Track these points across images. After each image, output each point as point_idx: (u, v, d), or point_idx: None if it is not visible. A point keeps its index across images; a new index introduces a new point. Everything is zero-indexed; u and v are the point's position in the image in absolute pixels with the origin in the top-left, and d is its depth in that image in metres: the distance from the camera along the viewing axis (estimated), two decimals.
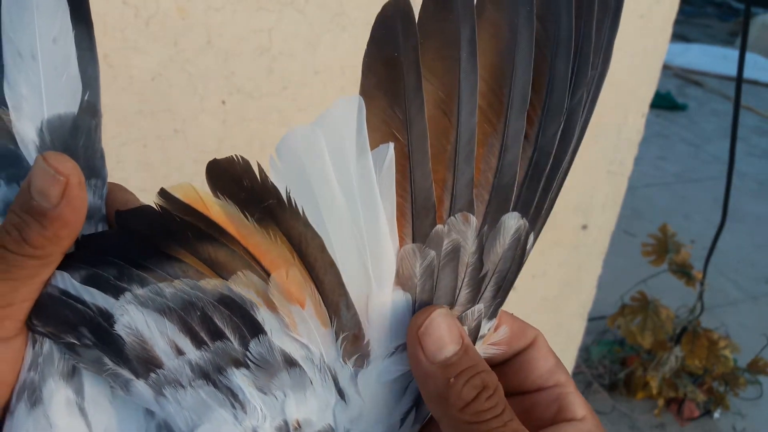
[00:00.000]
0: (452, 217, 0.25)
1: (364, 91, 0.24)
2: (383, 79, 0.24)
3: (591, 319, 1.08)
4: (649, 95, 0.85)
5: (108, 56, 0.56)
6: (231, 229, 0.23)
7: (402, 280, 0.24)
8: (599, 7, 0.26)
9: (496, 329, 0.28)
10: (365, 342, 0.24)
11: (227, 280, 0.23)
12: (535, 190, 0.26)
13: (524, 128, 0.25)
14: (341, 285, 0.24)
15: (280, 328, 0.24)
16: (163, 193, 0.23)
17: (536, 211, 0.26)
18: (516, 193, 0.25)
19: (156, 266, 0.23)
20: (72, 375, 0.24)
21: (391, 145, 0.24)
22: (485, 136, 0.25)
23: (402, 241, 0.24)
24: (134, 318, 0.23)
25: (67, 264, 0.24)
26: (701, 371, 1.61)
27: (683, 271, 1.46)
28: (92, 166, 0.26)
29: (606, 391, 1.70)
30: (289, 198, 0.23)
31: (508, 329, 0.28)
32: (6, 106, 0.25)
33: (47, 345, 0.24)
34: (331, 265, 0.24)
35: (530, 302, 0.94)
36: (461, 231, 0.25)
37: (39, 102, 0.25)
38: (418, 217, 0.24)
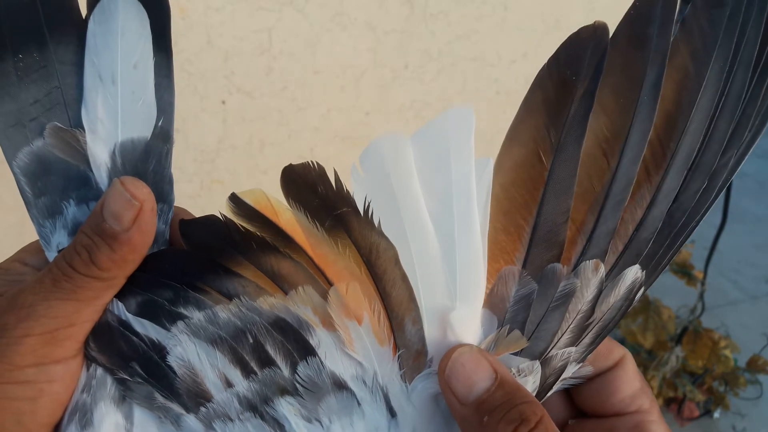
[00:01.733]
0: (585, 263, 0.24)
1: (528, 103, 0.23)
2: (550, 98, 0.23)
3: None
4: None
5: None
6: (299, 237, 0.23)
7: (493, 300, 0.24)
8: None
9: (584, 365, 0.27)
10: (429, 359, 0.24)
11: (287, 294, 0.23)
12: (661, 245, 0.25)
13: (678, 187, 0.24)
14: (411, 299, 0.23)
15: (335, 345, 0.23)
16: (233, 197, 0.23)
17: (655, 265, 0.25)
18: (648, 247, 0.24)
19: (214, 283, 0.23)
20: (123, 400, 0.24)
21: (491, 159, 0.23)
22: (638, 186, 0.24)
23: (508, 262, 0.24)
24: (186, 349, 0.23)
25: (123, 289, 0.24)
26: (701, 371, 1.61)
27: (684, 271, 1.46)
28: (161, 190, 0.26)
29: None
30: (366, 207, 0.23)
31: (592, 369, 0.27)
32: (82, 128, 0.25)
33: (101, 368, 0.24)
34: (403, 278, 0.23)
35: None
36: (587, 278, 0.24)
37: (114, 126, 0.25)
38: (537, 247, 0.23)
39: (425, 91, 0.66)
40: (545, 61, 0.24)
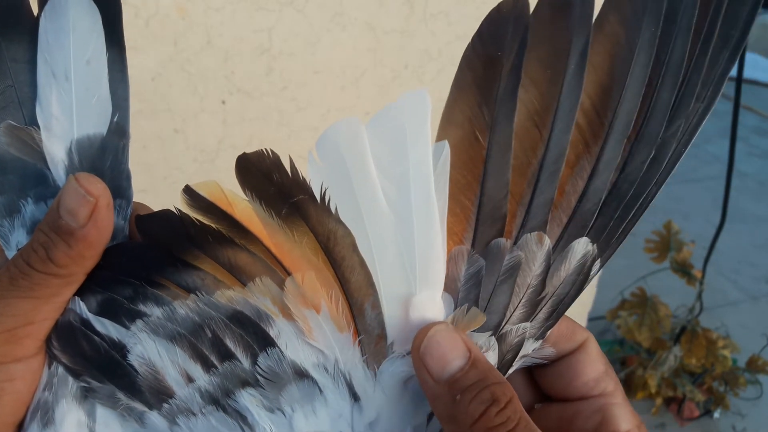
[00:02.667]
0: (527, 235, 0.24)
1: (457, 84, 0.23)
2: (479, 77, 0.23)
3: (591, 319, 1.08)
4: None
5: None
6: (255, 227, 0.23)
7: (447, 282, 0.24)
8: (719, 40, 0.24)
9: (544, 346, 0.27)
10: (389, 343, 0.24)
11: (245, 286, 0.23)
12: (610, 217, 0.25)
13: (620, 156, 0.24)
14: (370, 285, 0.23)
15: (295, 335, 0.23)
16: (188, 190, 0.23)
17: (607, 238, 0.25)
18: (594, 218, 0.24)
19: (173, 277, 0.23)
20: (85, 398, 0.24)
21: (446, 144, 0.23)
22: (577, 157, 0.24)
23: (458, 242, 0.24)
24: (146, 347, 0.23)
25: (84, 287, 0.24)
26: (700, 371, 1.61)
27: (684, 270, 1.46)
28: (118, 186, 0.26)
29: None
30: (323, 194, 0.23)
31: (554, 351, 0.27)
32: (37, 125, 0.25)
33: (64, 368, 0.24)
34: (361, 264, 0.23)
35: None
36: (531, 251, 0.24)
37: (69, 122, 0.25)
38: (482, 224, 0.24)
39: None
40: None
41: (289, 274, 0.23)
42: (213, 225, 0.23)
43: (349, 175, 0.23)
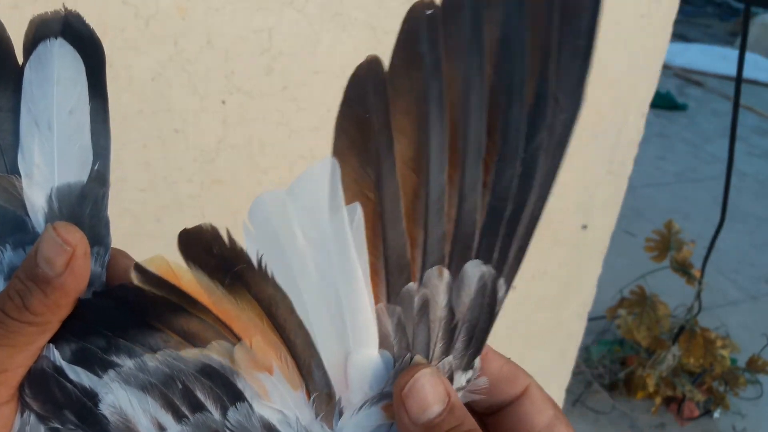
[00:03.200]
0: (428, 271, 0.25)
1: (337, 152, 0.24)
2: (355, 140, 0.24)
3: (591, 319, 1.08)
4: (649, 95, 0.85)
5: (108, 56, 0.56)
6: (202, 297, 0.24)
7: (380, 339, 0.25)
8: (568, 51, 0.25)
9: (479, 376, 0.27)
10: (336, 399, 0.25)
11: (203, 349, 0.24)
12: (495, 236, 0.25)
13: (481, 177, 0.25)
14: (311, 345, 0.24)
15: (255, 396, 0.24)
16: (137, 267, 0.24)
17: (501, 257, 0.26)
18: (477, 240, 0.25)
19: (137, 338, 0.24)
20: None
21: (358, 205, 0.24)
22: (446, 188, 0.25)
23: (377, 301, 0.25)
24: (118, 396, 0.24)
25: (58, 335, 0.24)
26: (699, 370, 1.61)
27: (684, 270, 1.46)
28: (97, 233, 0.26)
29: (606, 391, 1.70)
30: (259, 261, 0.24)
31: (487, 380, 0.27)
32: (18, 173, 0.25)
33: (35, 414, 0.24)
34: (300, 326, 0.24)
35: (530, 302, 0.94)
36: (434, 285, 0.25)
37: (51, 170, 0.26)
38: (392, 276, 0.24)
39: None
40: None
41: (238, 338, 0.24)
42: (164, 296, 0.24)
43: (280, 243, 0.24)
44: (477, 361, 0.27)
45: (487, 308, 0.26)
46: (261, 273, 0.24)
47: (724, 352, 1.52)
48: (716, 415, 1.67)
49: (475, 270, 0.25)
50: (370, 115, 0.24)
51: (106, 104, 0.27)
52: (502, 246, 0.26)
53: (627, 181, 0.92)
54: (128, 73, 0.57)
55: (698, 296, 1.49)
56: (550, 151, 0.25)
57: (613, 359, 1.76)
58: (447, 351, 0.26)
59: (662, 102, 3.53)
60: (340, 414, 0.25)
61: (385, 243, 0.24)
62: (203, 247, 0.23)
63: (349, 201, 0.24)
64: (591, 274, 0.99)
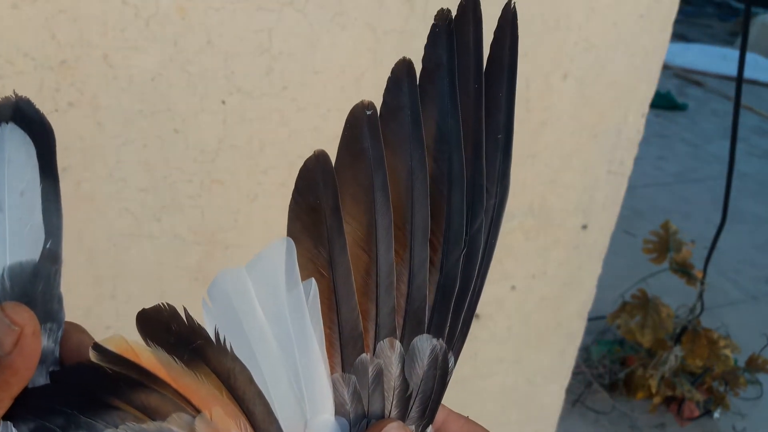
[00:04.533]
0: (380, 343, 0.27)
1: (291, 234, 0.26)
2: (307, 224, 0.26)
3: (591, 319, 1.08)
4: (649, 95, 0.85)
5: (108, 56, 0.56)
6: (161, 373, 0.25)
7: (337, 407, 0.26)
8: (489, 145, 0.28)
9: None
10: None
11: (163, 422, 0.25)
12: (446, 312, 0.28)
13: (428, 256, 0.27)
14: (270, 413, 0.25)
15: None
16: (96, 346, 0.24)
17: (451, 332, 0.28)
18: (428, 316, 0.28)
19: (96, 417, 0.25)
20: None
21: (313, 280, 0.26)
22: (396, 266, 0.28)
23: (333, 370, 0.26)
24: None
25: (15, 414, 0.25)
26: (700, 371, 1.61)
27: (684, 270, 1.46)
28: (49, 310, 0.27)
29: (606, 391, 1.70)
30: (217, 336, 0.25)
31: None
32: None
33: None
34: (259, 395, 0.25)
35: (530, 302, 0.94)
36: (387, 356, 0.27)
37: (2, 250, 0.26)
38: (346, 347, 0.26)
39: None
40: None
41: (198, 411, 0.25)
42: (123, 372, 0.25)
43: (239, 317, 0.25)
44: (430, 429, 0.29)
45: (440, 379, 0.28)
46: (219, 347, 0.25)
47: (728, 352, 1.52)
48: (716, 415, 1.67)
49: (426, 344, 0.27)
50: (320, 202, 0.26)
51: (57, 184, 0.28)
52: (451, 321, 0.28)
53: (627, 181, 0.92)
54: (128, 73, 0.57)
55: (700, 296, 1.49)
56: (486, 233, 0.29)
57: (613, 359, 1.76)
58: (402, 418, 0.27)
59: (662, 102, 3.53)
60: None
61: (339, 316, 0.26)
62: (161, 325, 0.24)
63: (305, 277, 0.26)
64: (591, 274, 0.99)
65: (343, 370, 0.26)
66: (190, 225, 0.67)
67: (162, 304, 0.24)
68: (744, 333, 1.85)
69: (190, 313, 0.25)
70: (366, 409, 0.27)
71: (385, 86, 0.28)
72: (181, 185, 0.64)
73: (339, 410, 0.26)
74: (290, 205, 0.26)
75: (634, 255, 1.69)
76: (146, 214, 0.64)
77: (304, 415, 0.26)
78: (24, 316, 0.23)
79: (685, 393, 1.56)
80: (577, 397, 1.68)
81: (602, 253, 0.97)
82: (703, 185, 2.86)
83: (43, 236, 0.27)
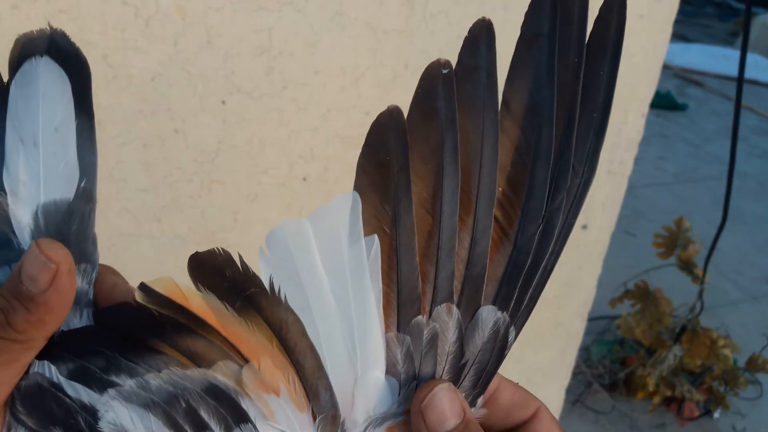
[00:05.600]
0: (438, 308, 0.26)
1: (358, 189, 0.26)
2: (375, 180, 0.26)
3: (591, 319, 1.08)
4: (649, 95, 0.85)
5: (108, 56, 0.56)
6: (211, 319, 0.24)
7: (388, 367, 0.26)
8: (583, 122, 0.27)
9: (483, 407, 0.29)
10: (341, 421, 0.25)
11: (208, 370, 0.24)
12: (514, 286, 0.27)
13: (491, 224, 0.27)
14: (320, 368, 0.25)
15: (261, 417, 0.25)
16: (143, 287, 0.24)
17: (516, 306, 0.28)
18: (495, 287, 0.27)
19: (138, 360, 0.24)
20: None
21: (376, 237, 0.26)
22: (458, 230, 0.27)
23: (387, 329, 0.26)
24: (119, 414, 0.24)
25: (54, 354, 0.24)
26: (700, 370, 1.61)
27: (688, 268, 1.46)
28: (83, 250, 0.26)
29: (606, 391, 1.70)
30: (271, 285, 0.24)
31: (485, 410, 0.29)
32: (3, 190, 0.25)
33: (22, 431, 0.24)
34: (311, 348, 0.25)
35: None
36: (444, 321, 0.27)
37: (36, 188, 0.26)
38: (403, 307, 0.26)
39: None
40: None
41: (246, 360, 0.25)
42: (170, 316, 0.24)
43: (297, 268, 0.25)
44: (480, 399, 0.28)
45: (498, 352, 0.27)
46: (274, 296, 0.25)
47: (727, 352, 1.52)
48: (716, 415, 1.67)
49: (490, 315, 0.27)
50: (390, 159, 0.26)
51: (92, 121, 0.27)
52: (518, 296, 0.27)
53: (627, 181, 0.92)
54: (128, 73, 0.57)
55: (700, 295, 1.49)
56: (566, 212, 0.28)
57: (613, 359, 1.76)
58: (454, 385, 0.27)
59: (662, 102, 3.53)
60: None
61: (399, 275, 0.26)
62: (215, 270, 0.24)
63: (367, 233, 0.26)
64: (591, 274, 0.99)
65: (398, 330, 0.26)
66: (190, 225, 0.67)
67: (217, 248, 0.24)
68: (744, 333, 1.85)
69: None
70: (417, 371, 0.26)
71: (461, 46, 0.27)
72: (181, 185, 0.64)
73: (390, 370, 0.26)
74: (359, 159, 0.26)
75: (634, 255, 1.69)
76: (146, 214, 0.64)
77: (355, 371, 0.25)
78: (60, 254, 0.23)
79: (685, 393, 1.56)
80: (577, 397, 1.68)
81: (602, 253, 0.97)
82: (703, 185, 2.86)
83: (77, 174, 0.26)
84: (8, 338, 0.23)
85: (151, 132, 0.61)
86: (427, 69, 0.26)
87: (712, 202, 2.56)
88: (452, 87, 0.26)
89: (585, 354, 1.77)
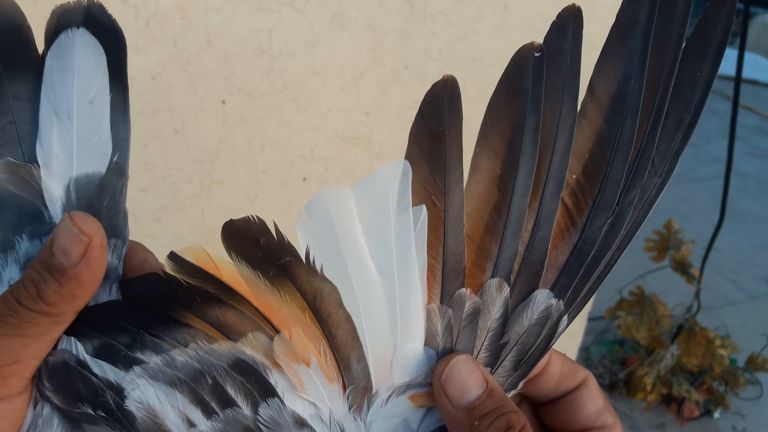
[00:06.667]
0: (489, 281, 0.26)
1: (409, 158, 0.25)
2: (426, 149, 0.25)
3: (591, 319, 1.08)
4: None
5: None
6: (242, 289, 0.24)
7: (428, 338, 0.26)
8: (672, 120, 0.27)
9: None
10: (374, 392, 0.25)
11: (236, 342, 0.24)
12: (574, 276, 0.27)
13: (557, 209, 0.27)
14: (355, 338, 0.25)
15: (290, 388, 0.24)
16: (173, 256, 0.23)
17: (573, 296, 0.27)
18: (556, 274, 0.27)
19: (165, 333, 0.24)
20: None
21: (424, 207, 0.25)
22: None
23: (431, 300, 0.26)
24: (145, 392, 0.24)
25: (80, 330, 0.24)
26: (698, 370, 1.61)
27: (682, 269, 1.46)
28: (114, 225, 0.26)
29: (606, 391, 1.70)
30: (307, 254, 0.24)
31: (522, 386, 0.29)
32: (36, 163, 0.25)
33: (47, 407, 0.24)
34: (347, 319, 0.25)
35: None
36: (491, 296, 0.26)
37: (69, 161, 0.25)
38: (447, 279, 0.26)
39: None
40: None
41: (277, 331, 0.24)
42: (200, 286, 0.24)
43: (338, 236, 0.24)
44: (522, 383, 0.28)
45: (546, 338, 0.27)
46: (309, 266, 0.24)
47: (724, 352, 1.52)
48: (716, 415, 1.67)
49: (544, 299, 0.27)
50: (443, 129, 0.25)
51: (126, 95, 0.27)
52: (577, 285, 0.27)
53: None
54: (128, 72, 0.57)
55: (697, 295, 1.49)
56: (638, 209, 0.27)
57: (613, 359, 1.76)
58: (492, 364, 0.27)
59: None
60: (371, 406, 0.25)
61: (445, 247, 0.26)
62: (250, 238, 0.23)
63: (415, 204, 0.25)
64: None
65: (441, 302, 0.26)
66: (190, 225, 0.67)
67: (251, 216, 0.24)
68: (743, 333, 1.85)
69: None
70: (453, 344, 0.26)
71: (548, 30, 0.27)
72: (181, 185, 0.64)
73: (429, 341, 0.26)
74: (411, 128, 0.26)
75: (634, 255, 1.69)
76: (146, 214, 0.64)
77: (394, 341, 0.25)
78: (92, 227, 0.22)
79: (683, 393, 1.56)
80: None
81: None
82: (702, 185, 2.86)
83: (110, 148, 0.26)
84: (39, 311, 0.22)
85: (151, 132, 0.61)
86: (519, 50, 0.26)
87: (712, 202, 2.56)
88: (542, 71, 0.26)
89: (585, 354, 1.77)
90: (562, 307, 0.27)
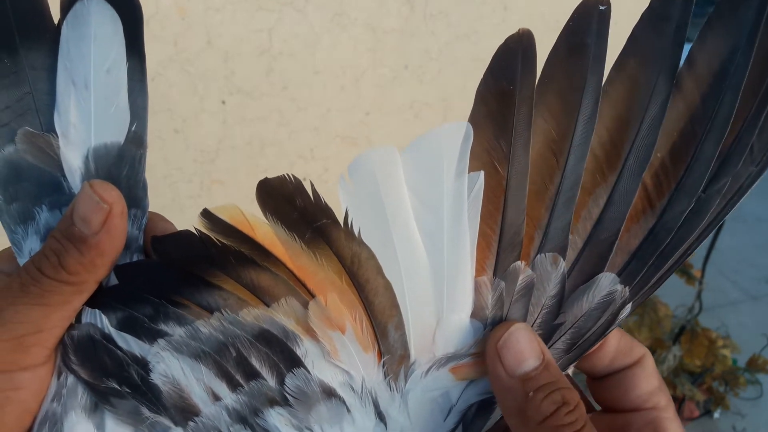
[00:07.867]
0: (541, 255, 0.24)
1: (473, 119, 0.24)
2: (493, 110, 0.24)
3: None
4: None
5: None
6: (277, 250, 0.23)
7: (476, 310, 0.24)
8: None
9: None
10: (412, 362, 0.24)
11: (269, 306, 0.23)
12: (645, 263, 0.25)
13: (636, 190, 0.24)
14: (394, 306, 0.24)
15: (321, 355, 0.24)
16: (206, 213, 0.23)
17: (640, 284, 0.25)
18: (625, 259, 0.25)
19: (193, 297, 0.23)
20: (94, 409, 0.24)
21: (482, 174, 0.23)
22: (594, 185, 0.25)
23: (483, 272, 0.24)
24: (170, 365, 0.23)
25: (103, 302, 0.24)
26: (700, 370, 1.61)
27: (683, 270, 1.46)
28: (134, 195, 0.26)
29: None
30: (346, 217, 0.23)
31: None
32: (54, 133, 0.25)
33: (71, 378, 0.24)
34: (386, 286, 0.23)
35: None
36: (545, 271, 0.24)
37: (87, 130, 0.25)
38: (503, 251, 0.24)
39: (425, 91, 0.66)
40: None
41: (312, 296, 0.23)
42: (234, 246, 0.23)
43: (382, 200, 0.23)
44: (571, 368, 0.26)
45: (605, 323, 0.25)
46: (347, 230, 0.23)
47: (726, 352, 1.52)
48: (716, 415, 1.67)
49: (609, 284, 0.25)
50: (514, 88, 0.23)
51: (143, 63, 0.26)
52: (646, 273, 0.25)
53: None
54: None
55: (699, 296, 1.49)
56: (726, 199, 0.25)
57: None
58: (543, 341, 0.25)
59: None
60: (412, 375, 0.24)
61: (504, 217, 0.24)
62: (286, 198, 0.23)
63: (473, 168, 0.24)
64: None
65: (495, 274, 0.24)
66: (190, 225, 0.66)
67: (287, 175, 0.23)
68: (744, 333, 1.85)
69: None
70: (504, 317, 0.24)
71: None
72: (181, 185, 0.64)
73: (477, 313, 0.24)
74: (478, 87, 0.24)
75: None
76: None
77: (438, 312, 0.24)
78: (113, 195, 0.22)
79: (686, 393, 1.56)
80: None
81: None
82: None
83: (128, 118, 0.26)
84: (61, 280, 0.22)
85: (151, 132, 0.61)
86: (582, 3, 0.24)
87: None
88: (607, 25, 0.24)
89: None
90: (627, 294, 0.25)
